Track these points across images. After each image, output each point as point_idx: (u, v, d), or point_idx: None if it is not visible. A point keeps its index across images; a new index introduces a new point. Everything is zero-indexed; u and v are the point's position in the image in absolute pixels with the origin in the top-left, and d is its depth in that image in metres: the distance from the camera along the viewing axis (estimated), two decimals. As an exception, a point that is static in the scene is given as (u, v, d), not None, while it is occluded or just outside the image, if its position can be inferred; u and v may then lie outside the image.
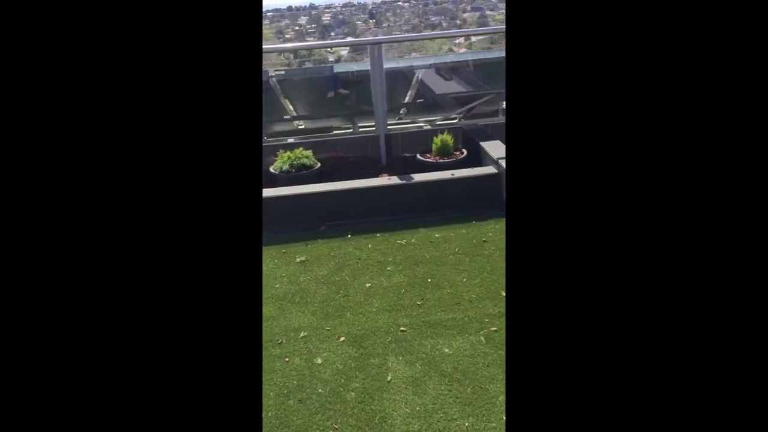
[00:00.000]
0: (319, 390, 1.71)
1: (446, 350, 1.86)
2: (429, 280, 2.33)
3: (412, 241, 2.72)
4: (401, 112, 4.05)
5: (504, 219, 2.86)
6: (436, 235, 2.75)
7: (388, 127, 3.67)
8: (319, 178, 3.24)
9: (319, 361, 1.86)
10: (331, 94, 3.87)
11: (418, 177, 3.05)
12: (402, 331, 1.99)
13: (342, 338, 1.98)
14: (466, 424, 1.52)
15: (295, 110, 4.08)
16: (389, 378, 1.74)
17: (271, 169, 3.30)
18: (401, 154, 3.67)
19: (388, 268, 2.47)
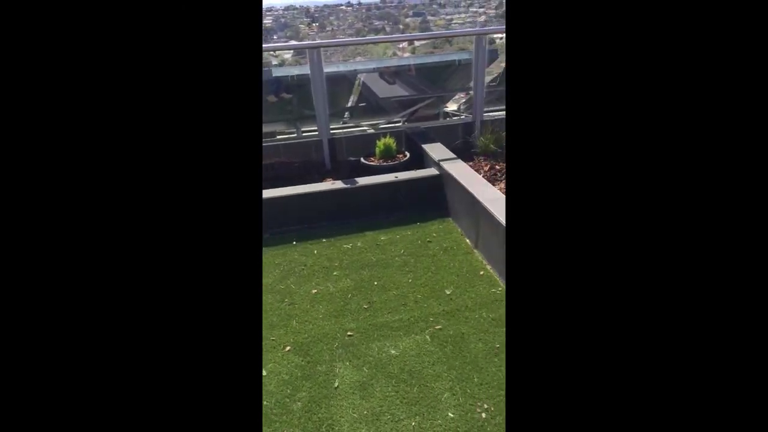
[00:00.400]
0: (264, 402, 1.66)
1: (393, 352, 1.87)
2: (375, 283, 2.33)
3: (358, 244, 2.72)
4: (345, 116, 4.04)
5: (446, 219, 2.93)
6: (382, 238, 2.77)
7: (332, 131, 3.65)
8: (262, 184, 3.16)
9: (264, 372, 1.81)
10: (272, 99, 3.79)
11: (362, 180, 3.05)
12: (349, 335, 1.98)
13: (288, 347, 1.94)
14: (413, 423, 1.54)
15: (234, 115, 3.95)
16: (336, 384, 1.73)
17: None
18: (345, 157, 3.67)
19: (335, 273, 2.45)
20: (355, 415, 1.59)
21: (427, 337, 1.94)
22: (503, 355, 1.81)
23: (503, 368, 1.74)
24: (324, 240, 2.78)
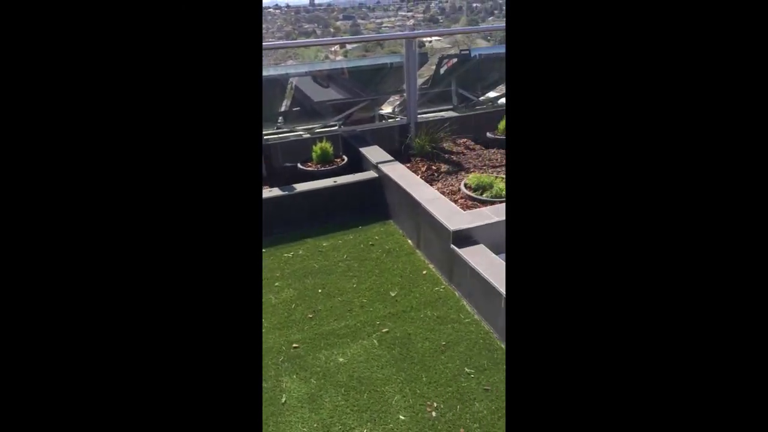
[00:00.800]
0: (207, 427, 1.56)
1: (341, 359, 1.84)
2: (319, 291, 2.29)
3: (300, 252, 2.65)
4: (278, 120, 3.94)
5: (387, 221, 2.95)
6: (324, 244, 2.72)
7: (266, 137, 3.54)
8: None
9: (205, 395, 1.70)
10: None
11: (300, 187, 2.99)
12: (294, 347, 1.92)
13: (230, 366, 1.84)
14: (365, 431, 1.52)
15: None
16: (284, 399, 1.67)
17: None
18: (281, 164, 3.57)
19: (276, 284, 2.37)
20: (304, 429, 1.54)
21: (375, 341, 1.93)
22: (449, 352, 1.84)
23: (450, 365, 1.78)
24: (264, 250, 2.69)
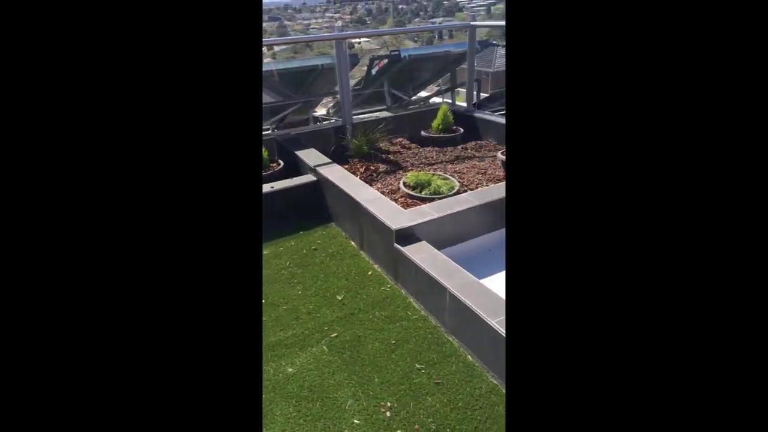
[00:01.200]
0: (148, 460, 1.45)
1: (290, 370, 1.79)
2: (263, 301, 2.21)
3: (239, 263, 2.54)
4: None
5: (329, 224, 2.91)
6: (265, 252, 2.63)
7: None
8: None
9: (144, 425, 1.58)
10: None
11: (235, 194, 2.87)
12: (240, 362, 1.84)
13: (169, 390, 1.72)
14: (320, 440, 1.49)
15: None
16: (232, 419, 1.59)
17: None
18: (213, 171, 3.41)
19: (216, 298, 2.25)
20: (257, 447, 1.48)
21: (324, 347, 1.90)
22: (399, 350, 1.86)
23: (400, 363, 1.79)
24: (199, 263, 2.54)
